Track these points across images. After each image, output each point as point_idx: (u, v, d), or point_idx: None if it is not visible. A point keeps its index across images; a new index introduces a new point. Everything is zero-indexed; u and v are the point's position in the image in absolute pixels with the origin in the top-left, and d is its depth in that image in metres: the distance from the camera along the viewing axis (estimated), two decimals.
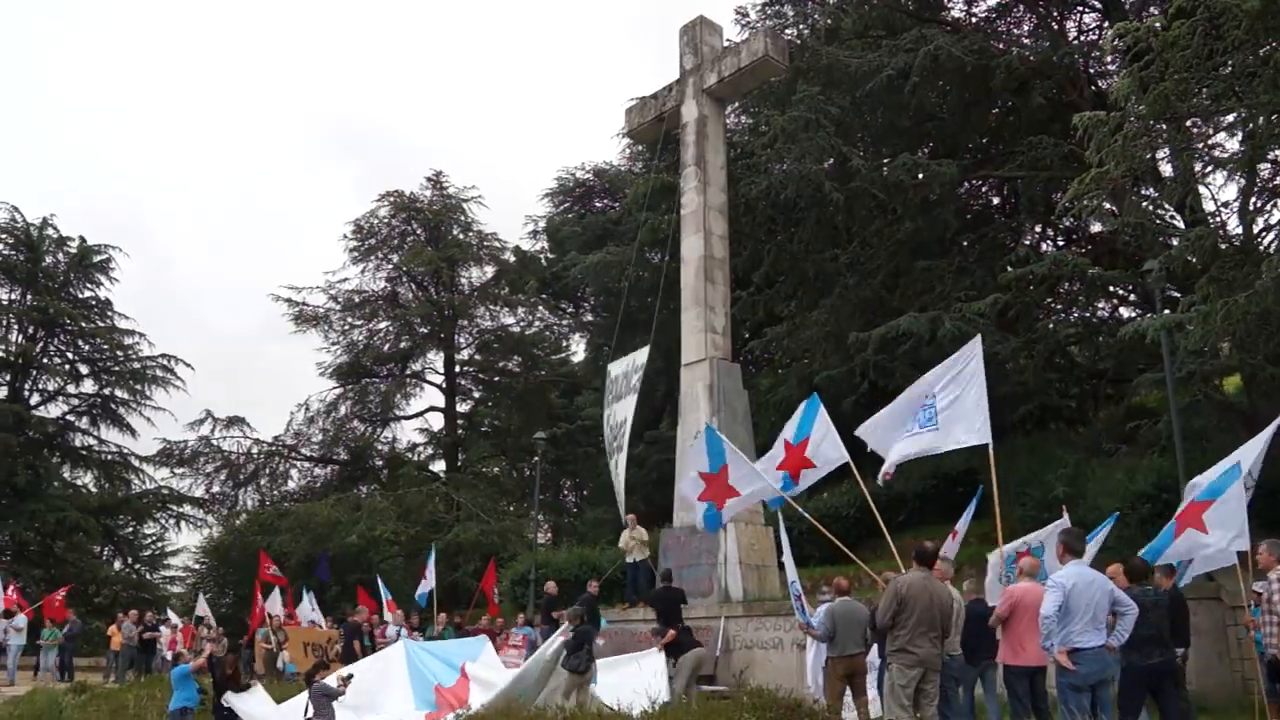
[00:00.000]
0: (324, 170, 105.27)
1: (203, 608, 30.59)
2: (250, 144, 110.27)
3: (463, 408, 47.32)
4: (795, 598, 13.68)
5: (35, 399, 43.46)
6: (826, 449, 14.68)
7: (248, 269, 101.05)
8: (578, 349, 49.11)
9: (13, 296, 43.03)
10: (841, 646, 12.05)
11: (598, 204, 44.27)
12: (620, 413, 22.69)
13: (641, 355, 22.72)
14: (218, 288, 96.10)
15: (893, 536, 14.47)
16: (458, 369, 46.49)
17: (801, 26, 30.67)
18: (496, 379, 47.16)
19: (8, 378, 42.57)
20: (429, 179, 46.54)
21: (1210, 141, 17.58)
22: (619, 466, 22.63)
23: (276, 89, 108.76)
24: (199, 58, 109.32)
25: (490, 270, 46.29)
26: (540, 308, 46.90)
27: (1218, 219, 19.53)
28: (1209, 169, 17.98)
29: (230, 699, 14.81)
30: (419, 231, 45.98)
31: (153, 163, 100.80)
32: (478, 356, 47.26)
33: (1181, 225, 20.00)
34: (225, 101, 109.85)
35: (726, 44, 25.19)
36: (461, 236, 45.85)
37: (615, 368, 23.63)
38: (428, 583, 26.37)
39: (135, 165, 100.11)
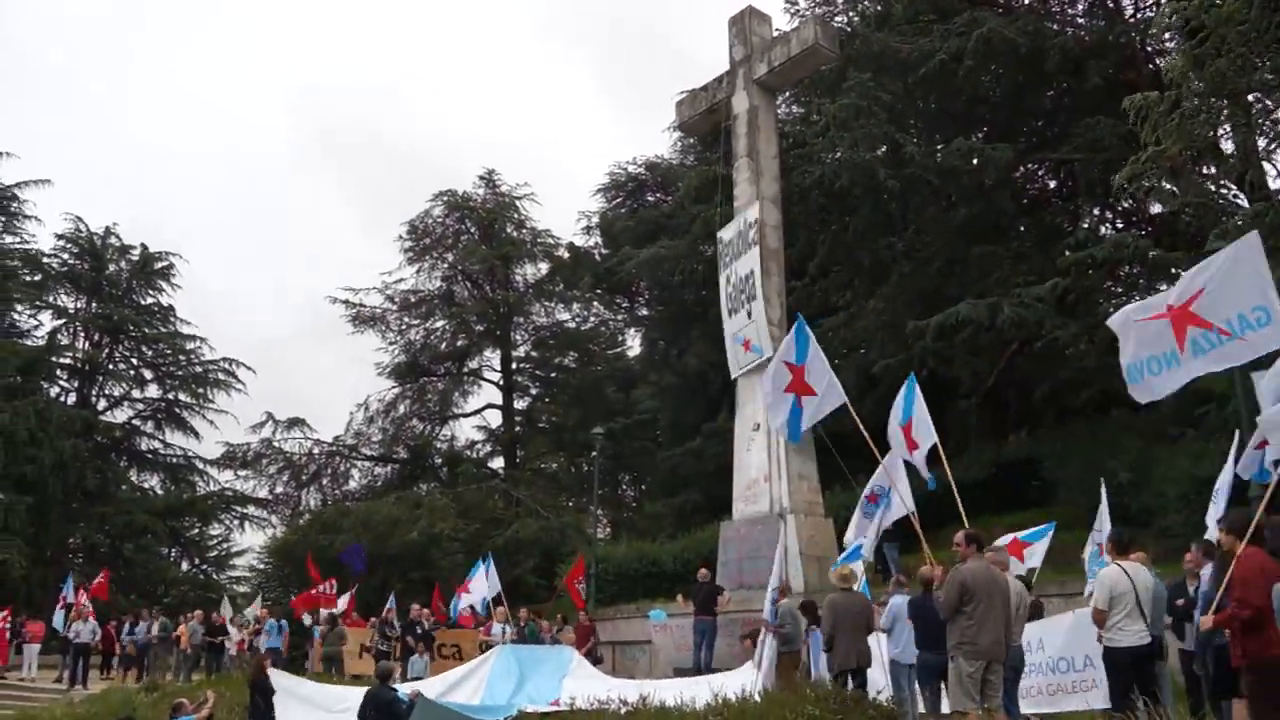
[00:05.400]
0: (369, 172, 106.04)
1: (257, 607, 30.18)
2: (275, 144, 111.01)
3: (520, 404, 47.48)
4: (771, 602, 15.18)
5: (102, 404, 44.32)
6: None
7: (272, 274, 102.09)
8: (633, 343, 49.12)
9: (78, 304, 43.97)
10: (794, 643, 14.39)
11: (650, 198, 44.19)
12: (743, 268, 22.63)
13: (751, 212, 22.79)
14: (235, 292, 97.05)
15: (950, 526, 14.33)
16: (514, 366, 46.68)
17: (851, 13, 30.48)
18: (553, 375, 47.29)
19: (76, 384, 43.49)
20: (482, 177, 46.76)
21: (1273, 116, 17.20)
22: (754, 315, 22.18)
23: (309, 86, 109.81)
24: (211, 54, 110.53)
25: (544, 267, 46.40)
26: (595, 303, 46.98)
27: None
28: (1272, 144, 17.60)
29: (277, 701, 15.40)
30: (473, 230, 46.18)
31: (163, 169, 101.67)
32: (534, 353, 47.44)
33: (1244, 203, 19.61)
34: (238, 99, 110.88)
35: (776, 33, 25.08)
36: (515, 234, 45.99)
37: (726, 232, 23.66)
38: (492, 586, 24.04)
39: (145, 172, 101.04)
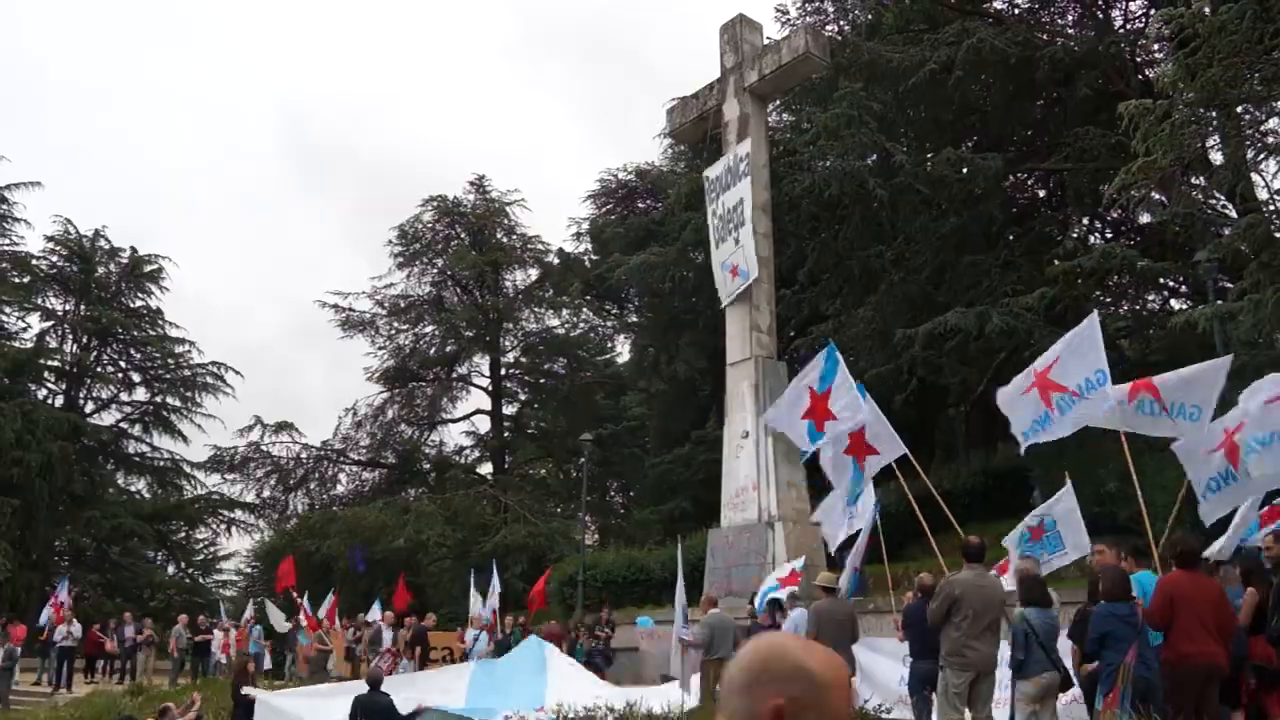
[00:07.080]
0: (357, 178, 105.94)
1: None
2: (265, 149, 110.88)
3: (509, 410, 47.50)
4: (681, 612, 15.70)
5: (90, 407, 44.10)
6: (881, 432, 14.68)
7: (262, 278, 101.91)
8: (622, 350, 49.20)
9: (67, 307, 43.76)
10: (715, 651, 14.02)
11: (640, 205, 44.17)
12: (732, 199, 22.90)
13: (743, 148, 22.91)
14: (225, 294, 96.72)
15: (942, 534, 14.33)
16: (503, 372, 46.66)
17: (842, 22, 30.54)
18: (542, 381, 47.30)
19: (63, 386, 43.29)
20: (471, 183, 46.81)
21: (1263, 128, 17.24)
22: (741, 244, 22.42)
23: (300, 95, 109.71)
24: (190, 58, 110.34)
25: (534, 273, 46.50)
26: (584, 309, 47.01)
27: (1271, 206, 19.18)
28: (1261, 155, 17.62)
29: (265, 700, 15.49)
30: (463, 235, 46.20)
31: (153, 173, 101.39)
32: (523, 359, 47.46)
33: (1233, 214, 19.66)
34: (231, 106, 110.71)
35: (767, 41, 25.10)
36: (505, 240, 46.03)
37: (713, 171, 23.90)
38: (492, 600, 23.93)
39: (135, 175, 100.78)
